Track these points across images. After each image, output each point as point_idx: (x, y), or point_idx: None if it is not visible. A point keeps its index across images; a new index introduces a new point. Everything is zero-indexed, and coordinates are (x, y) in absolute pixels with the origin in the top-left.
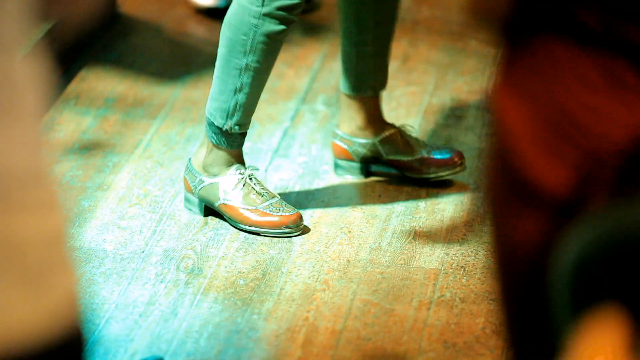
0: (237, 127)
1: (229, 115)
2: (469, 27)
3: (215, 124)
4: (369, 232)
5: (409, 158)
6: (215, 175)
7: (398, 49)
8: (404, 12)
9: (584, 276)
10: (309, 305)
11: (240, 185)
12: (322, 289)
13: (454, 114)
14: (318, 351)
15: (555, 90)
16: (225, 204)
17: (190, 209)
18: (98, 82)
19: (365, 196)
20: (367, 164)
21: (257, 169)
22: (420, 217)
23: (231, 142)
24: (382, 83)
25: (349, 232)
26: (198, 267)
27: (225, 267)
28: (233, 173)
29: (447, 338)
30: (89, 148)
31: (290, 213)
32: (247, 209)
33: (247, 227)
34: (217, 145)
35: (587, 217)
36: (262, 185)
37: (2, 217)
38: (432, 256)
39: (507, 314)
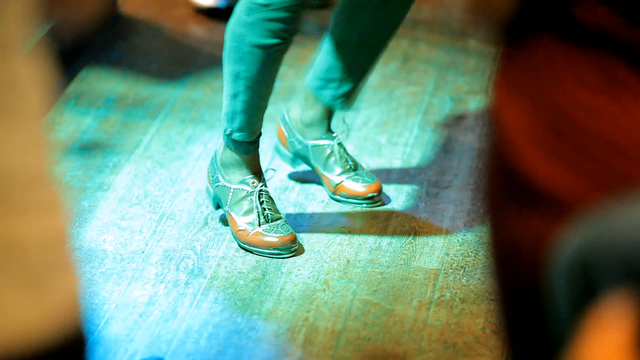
0: (238, 135)
1: (230, 120)
2: (469, 27)
3: (223, 125)
4: (369, 233)
5: (328, 175)
6: (229, 181)
7: (398, 48)
8: None
9: (582, 275)
10: (309, 306)
11: (247, 201)
12: (322, 289)
13: (454, 114)
14: (318, 351)
15: (552, 90)
16: (229, 214)
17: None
18: (98, 82)
19: None
20: (299, 159)
21: (265, 185)
22: (420, 218)
23: (237, 147)
24: (343, 102)
25: (349, 232)
26: (198, 268)
27: (225, 267)
28: (244, 186)
29: (447, 338)
30: (89, 148)
31: (282, 234)
32: (243, 229)
33: (241, 244)
34: (227, 146)
35: (585, 216)
36: (269, 205)
37: (3, 217)
38: (432, 256)
39: (506, 314)
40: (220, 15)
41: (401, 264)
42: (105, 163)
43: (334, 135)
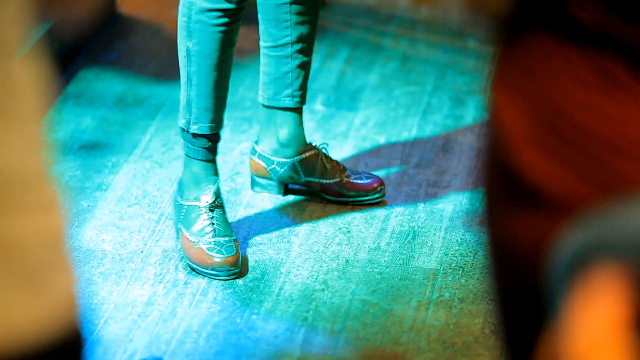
0: (196, 127)
1: (187, 112)
2: (468, 27)
3: (179, 124)
4: (368, 233)
5: (328, 181)
6: (185, 198)
7: (397, 49)
8: (402, 11)
9: (580, 276)
10: (308, 306)
11: (197, 217)
12: (321, 289)
13: (453, 114)
14: (317, 351)
15: (549, 88)
16: (180, 230)
17: None
18: (97, 82)
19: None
20: (285, 183)
21: (221, 203)
22: (419, 218)
23: (195, 148)
24: (303, 95)
25: (348, 232)
26: None
27: None
28: (196, 202)
29: (446, 338)
30: (87, 148)
31: (223, 256)
32: (190, 244)
33: (185, 259)
34: (188, 156)
35: (584, 216)
36: (219, 222)
37: (1, 217)
38: (431, 256)
39: (504, 314)
40: None
41: (400, 264)
42: (104, 163)
43: (314, 144)
